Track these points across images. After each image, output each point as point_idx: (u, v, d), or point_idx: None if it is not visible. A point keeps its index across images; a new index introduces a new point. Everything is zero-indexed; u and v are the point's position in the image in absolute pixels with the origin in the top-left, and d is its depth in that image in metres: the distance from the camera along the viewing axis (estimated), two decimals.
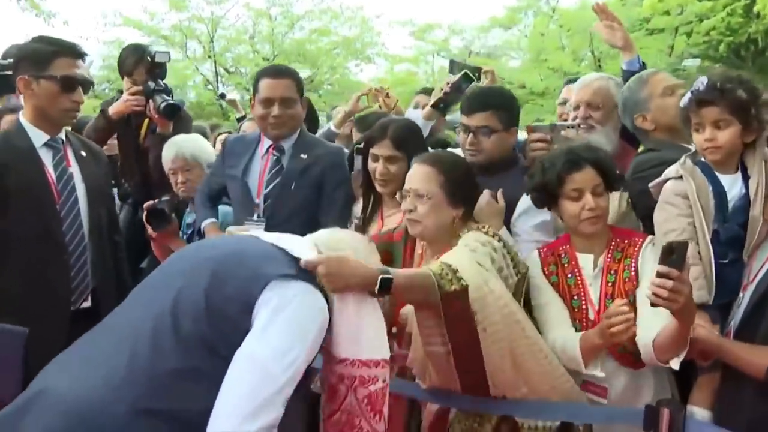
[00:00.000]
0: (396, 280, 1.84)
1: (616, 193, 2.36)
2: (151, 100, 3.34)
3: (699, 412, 2.02)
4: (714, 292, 2.07)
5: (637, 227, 2.41)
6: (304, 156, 2.86)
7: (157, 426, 1.51)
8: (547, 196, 2.25)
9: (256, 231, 2.01)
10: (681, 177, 2.17)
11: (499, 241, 2.16)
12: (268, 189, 2.84)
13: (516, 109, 2.64)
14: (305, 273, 1.73)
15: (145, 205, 3.08)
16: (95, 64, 14.01)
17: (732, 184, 2.13)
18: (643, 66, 2.93)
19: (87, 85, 2.67)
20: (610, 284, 2.18)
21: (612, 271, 2.19)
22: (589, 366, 2.09)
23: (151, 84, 3.35)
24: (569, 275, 2.23)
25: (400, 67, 17.59)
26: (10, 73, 2.66)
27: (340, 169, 2.90)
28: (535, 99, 13.81)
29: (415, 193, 2.20)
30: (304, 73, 16.17)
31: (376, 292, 1.81)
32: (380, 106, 3.42)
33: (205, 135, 5.02)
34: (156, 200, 3.08)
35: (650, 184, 2.27)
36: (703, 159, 2.19)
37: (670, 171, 2.22)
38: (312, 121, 3.82)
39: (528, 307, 2.20)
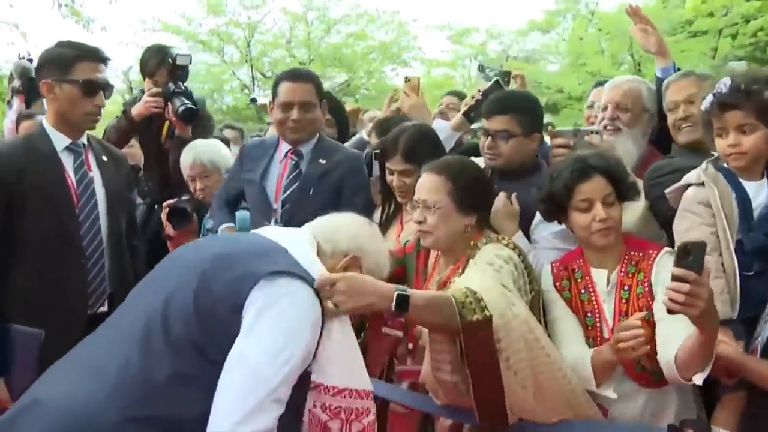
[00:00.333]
0: (414, 300, 1.75)
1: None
2: (170, 103, 3.34)
3: None
4: (738, 306, 1.96)
5: (660, 236, 2.30)
6: (322, 161, 2.83)
7: (147, 431, 1.49)
8: (556, 208, 2.14)
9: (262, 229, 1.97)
10: (703, 183, 2.06)
11: (519, 255, 2.09)
12: (286, 194, 2.81)
13: (539, 115, 2.58)
14: (297, 268, 1.67)
15: (165, 203, 3.07)
16: (134, 68, 14.28)
17: (757, 192, 2.03)
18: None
19: (109, 89, 2.69)
20: (624, 301, 2.07)
21: (626, 287, 2.08)
22: (601, 386, 1.97)
23: (172, 86, 3.35)
24: (582, 291, 2.13)
25: (437, 71, 17.52)
26: None
27: (359, 174, 2.87)
28: (573, 104, 13.59)
29: (423, 204, 2.14)
30: (340, 78, 16.31)
31: (393, 309, 1.73)
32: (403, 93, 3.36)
33: (242, 136, 5.07)
34: (176, 199, 3.08)
35: (667, 191, 2.17)
36: (725, 165, 2.08)
37: (691, 177, 2.11)
38: (341, 125, 3.77)
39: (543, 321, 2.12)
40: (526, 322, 1.89)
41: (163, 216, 3.03)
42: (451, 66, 17.58)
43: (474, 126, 3.60)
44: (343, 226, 1.92)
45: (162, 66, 3.48)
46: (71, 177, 2.61)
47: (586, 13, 15.00)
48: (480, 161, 2.57)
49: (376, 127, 3.18)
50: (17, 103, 4.01)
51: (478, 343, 1.82)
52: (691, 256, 1.66)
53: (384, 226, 2.68)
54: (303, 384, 1.67)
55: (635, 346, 1.85)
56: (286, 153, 2.88)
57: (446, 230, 2.12)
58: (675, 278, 1.67)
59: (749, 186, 2.04)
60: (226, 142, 3.75)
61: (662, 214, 2.28)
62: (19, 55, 4.47)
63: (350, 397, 1.71)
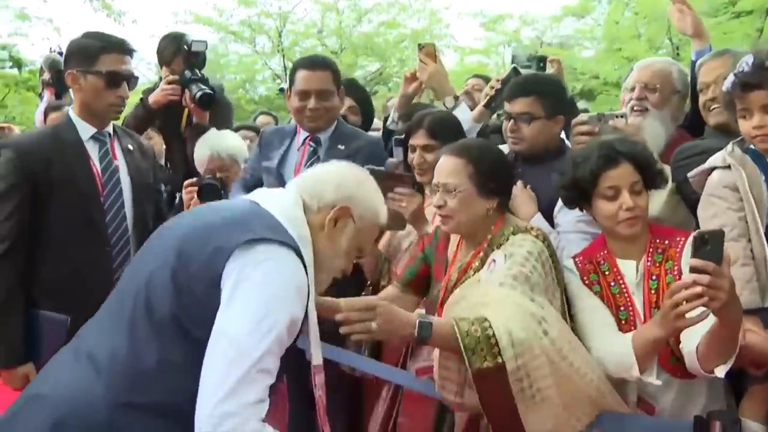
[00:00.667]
0: (435, 329, 1.81)
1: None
2: (187, 90, 3.33)
3: (750, 425, 1.85)
4: None
5: (689, 221, 2.22)
6: (341, 147, 2.82)
7: (140, 417, 1.48)
8: (579, 195, 2.06)
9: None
10: (729, 166, 1.97)
11: (548, 247, 2.03)
12: None
13: (563, 97, 2.53)
14: (277, 232, 1.59)
15: (188, 182, 3.02)
16: None
17: None
18: None
19: (133, 80, 2.72)
20: (653, 291, 1.99)
21: (654, 277, 2.00)
22: (645, 372, 1.86)
23: (188, 73, 3.35)
24: (612, 283, 2.04)
25: (470, 59, 17.35)
26: None
27: (379, 160, 2.84)
28: (608, 89, 13.34)
29: (443, 188, 2.09)
30: (372, 67, 16.28)
31: (416, 337, 1.81)
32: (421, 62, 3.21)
33: (276, 124, 5.06)
34: (198, 179, 3.06)
35: (689, 174, 2.08)
36: (752, 146, 1.99)
37: (716, 160, 2.02)
38: (367, 114, 3.72)
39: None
40: (553, 343, 1.82)
41: (186, 195, 2.99)
42: (485, 53, 17.39)
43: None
44: (327, 177, 1.79)
45: (178, 54, 3.47)
46: (96, 166, 2.65)
47: None
48: (506, 148, 2.54)
49: (401, 112, 3.16)
50: (47, 95, 4.08)
51: (490, 387, 1.79)
52: (708, 245, 1.59)
53: None
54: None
55: (697, 305, 1.65)
56: (304, 140, 2.87)
57: (467, 214, 2.07)
58: (693, 269, 1.60)
59: None
60: (257, 131, 3.75)
61: (689, 198, 2.20)
62: (50, 48, 4.54)
63: (319, 375, 1.72)
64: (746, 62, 1.90)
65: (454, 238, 2.26)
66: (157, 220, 2.84)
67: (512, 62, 3.25)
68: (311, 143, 2.86)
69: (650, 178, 2.03)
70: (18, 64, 14.16)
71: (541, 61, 3.16)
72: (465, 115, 2.93)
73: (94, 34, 2.70)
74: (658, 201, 2.19)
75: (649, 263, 2.02)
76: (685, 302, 1.64)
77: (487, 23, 16.59)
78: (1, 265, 2.49)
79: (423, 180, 2.57)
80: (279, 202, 1.70)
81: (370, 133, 3.45)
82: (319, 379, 1.78)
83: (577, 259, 2.12)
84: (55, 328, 2.44)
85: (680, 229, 2.10)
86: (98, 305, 2.51)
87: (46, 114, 3.64)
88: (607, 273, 2.06)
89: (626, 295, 2.02)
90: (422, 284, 2.33)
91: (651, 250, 2.03)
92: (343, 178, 1.79)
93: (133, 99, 3.21)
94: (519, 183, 2.30)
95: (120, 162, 2.71)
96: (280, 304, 1.52)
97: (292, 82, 2.85)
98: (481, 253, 2.07)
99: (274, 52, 15.95)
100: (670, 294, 1.69)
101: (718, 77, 2.32)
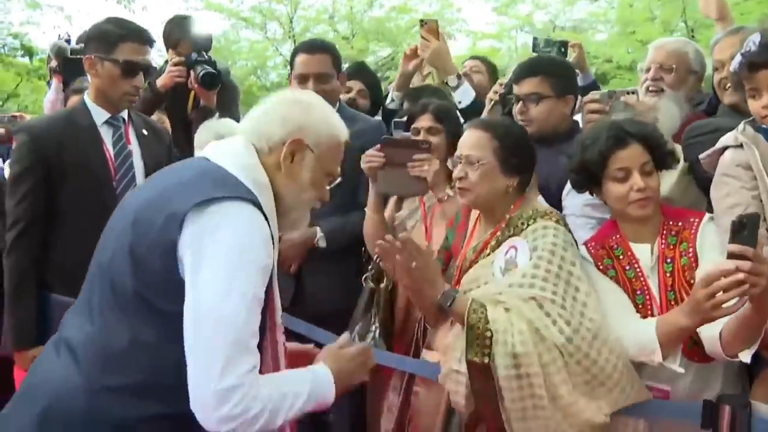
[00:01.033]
0: (456, 304, 1.93)
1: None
2: (192, 71, 3.32)
3: (762, 408, 1.81)
4: None
5: (700, 201, 2.19)
6: None
7: (118, 400, 1.47)
8: (589, 178, 2.04)
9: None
10: (741, 145, 1.94)
11: (569, 232, 2.03)
12: None
13: (571, 78, 2.53)
14: (229, 186, 1.52)
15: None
16: None
17: None
18: None
19: (150, 71, 2.74)
20: (668, 274, 1.96)
21: (668, 259, 1.98)
22: (668, 358, 1.82)
23: (194, 55, 3.34)
24: (627, 268, 2.01)
25: (482, 43, 17.21)
26: (82, 57, 2.74)
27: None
28: (622, 73, 13.18)
29: (466, 159, 2.08)
30: (384, 52, 16.18)
31: (440, 302, 1.95)
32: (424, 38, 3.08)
33: None
34: None
35: (701, 156, 2.05)
36: (765, 125, 1.96)
37: (728, 139, 1.99)
38: (375, 98, 3.69)
39: None
40: (576, 348, 1.82)
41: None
42: (497, 38, 17.23)
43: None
44: (269, 114, 1.68)
45: (184, 36, 3.48)
46: (110, 150, 2.66)
47: None
48: None
49: (409, 96, 3.14)
50: (55, 83, 4.08)
51: (475, 378, 1.87)
52: (746, 229, 1.54)
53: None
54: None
55: (735, 293, 1.59)
56: None
57: (487, 188, 2.07)
58: (732, 255, 1.54)
59: None
60: None
61: (702, 178, 2.17)
62: (59, 36, 4.54)
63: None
64: (753, 41, 1.87)
65: (473, 217, 2.25)
66: None
67: (533, 48, 3.22)
68: None
69: (660, 159, 2.01)
70: (29, 52, 14.23)
71: (563, 46, 3.13)
72: (468, 95, 2.90)
73: (116, 21, 2.71)
74: (668, 181, 2.18)
75: (663, 246, 2.00)
76: (722, 291, 1.60)
77: (499, 7, 16.40)
78: (14, 248, 2.52)
79: None
80: (230, 153, 1.63)
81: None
82: (281, 337, 1.75)
83: (589, 245, 2.10)
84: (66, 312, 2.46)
85: (693, 210, 2.08)
86: None
87: (66, 97, 3.65)
88: (621, 257, 2.03)
89: (642, 279, 1.99)
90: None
91: (664, 232, 2.01)
92: (286, 110, 1.68)
93: None
94: None
95: (134, 147, 2.72)
96: (247, 263, 1.47)
97: (292, 66, 2.86)
98: (499, 233, 2.07)
99: (286, 38, 15.88)
100: (706, 283, 1.64)
101: (731, 55, 2.28)
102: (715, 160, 2.04)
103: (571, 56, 3.19)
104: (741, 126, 2.01)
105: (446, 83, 2.96)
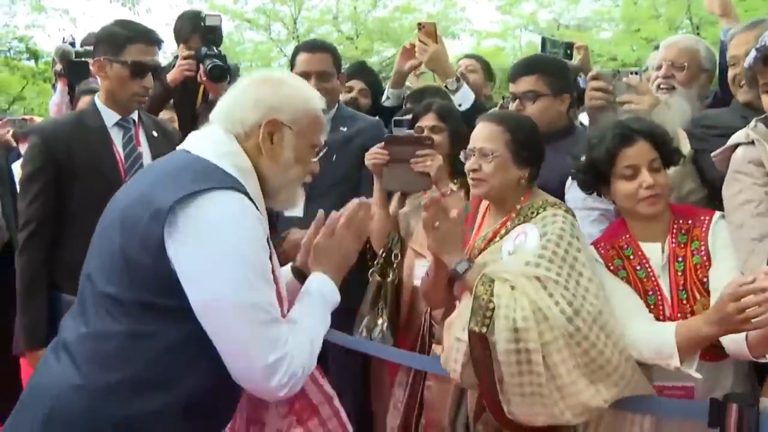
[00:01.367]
0: (469, 274, 1.96)
1: None
2: (201, 65, 3.31)
3: None
4: None
5: (698, 192, 2.21)
6: (343, 128, 2.88)
7: (119, 396, 1.47)
8: (597, 177, 2.04)
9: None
10: (752, 142, 1.93)
11: (575, 219, 2.04)
12: None
13: (566, 76, 2.57)
14: (211, 177, 1.51)
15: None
16: None
17: None
18: None
19: (159, 71, 2.76)
20: (680, 273, 1.95)
21: (679, 258, 1.97)
22: (685, 363, 1.79)
23: (204, 49, 3.33)
24: (638, 268, 2.00)
25: (487, 42, 17.20)
26: (87, 60, 2.75)
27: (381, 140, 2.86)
28: None
29: (480, 152, 2.11)
30: (388, 52, 16.18)
31: (453, 270, 2.00)
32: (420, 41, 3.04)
33: None
34: None
35: (713, 154, 2.05)
36: None
37: (738, 137, 1.98)
38: (376, 96, 3.70)
39: None
40: (577, 329, 1.82)
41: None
42: (501, 36, 17.21)
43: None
44: (240, 99, 1.66)
45: (195, 31, 3.46)
46: (120, 152, 2.68)
47: None
48: None
49: (412, 96, 3.18)
50: (60, 86, 4.09)
51: (474, 347, 1.87)
52: None
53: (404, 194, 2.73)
54: None
55: (764, 309, 1.57)
56: None
57: (500, 179, 2.10)
58: None
59: None
60: None
61: (707, 170, 2.17)
62: (63, 38, 4.55)
63: None
64: None
65: (482, 208, 2.28)
66: None
67: (541, 49, 3.23)
68: None
69: (667, 155, 2.01)
70: (35, 56, 14.28)
71: (568, 47, 3.14)
72: (468, 98, 2.92)
73: (123, 23, 2.72)
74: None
75: (674, 245, 1.99)
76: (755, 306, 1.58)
77: (503, 6, 16.39)
78: (26, 248, 2.54)
79: None
80: (210, 143, 1.62)
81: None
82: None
83: (599, 246, 2.09)
84: None
85: (701, 208, 2.08)
86: None
87: (78, 97, 3.66)
88: (631, 257, 2.02)
89: (653, 278, 1.99)
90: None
91: (675, 230, 2.01)
92: (256, 92, 1.65)
93: None
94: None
95: (144, 148, 2.73)
96: (245, 243, 1.48)
97: (293, 66, 2.88)
98: (509, 223, 2.10)
99: (290, 39, 15.90)
100: (735, 297, 1.62)
101: (748, 51, 2.27)
102: (727, 157, 2.03)
103: (577, 58, 3.20)
104: (753, 123, 2.00)
105: (445, 87, 2.97)
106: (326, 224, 1.80)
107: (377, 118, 3.11)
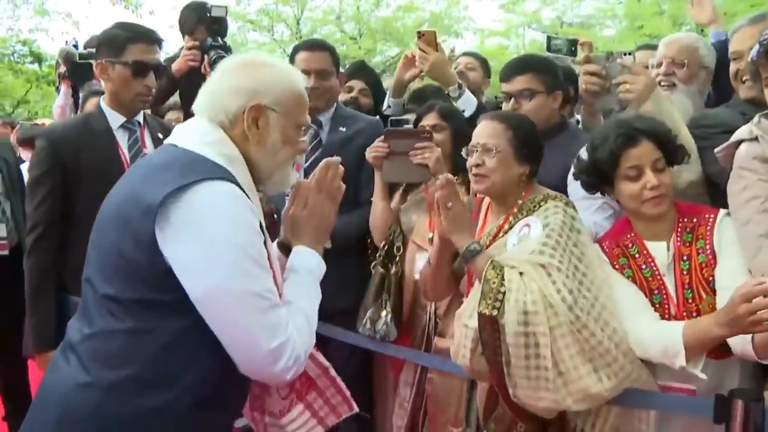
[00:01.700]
0: (479, 258, 1.99)
1: None
2: (206, 56, 3.29)
3: None
4: None
5: (696, 187, 2.19)
6: (343, 129, 2.90)
7: (126, 394, 1.48)
8: (601, 178, 2.04)
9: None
10: (756, 138, 1.92)
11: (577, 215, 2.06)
12: (308, 163, 2.84)
13: (557, 74, 2.60)
14: (198, 169, 1.50)
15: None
16: None
17: None
18: None
19: (160, 70, 2.76)
20: (685, 272, 1.95)
21: (685, 257, 1.96)
22: (690, 362, 1.78)
23: (209, 40, 3.32)
24: (643, 266, 2.00)
25: (490, 41, 17.19)
26: (90, 62, 2.77)
27: None
28: None
29: (483, 148, 2.15)
30: (391, 52, 16.18)
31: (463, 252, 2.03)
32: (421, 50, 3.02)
33: None
34: None
35: (716, 150, 2.04)
36: None
37: (742, 133, 1.97)
38: (377, 96, 3.68)
39: None
40: (577, 318, 1.84)
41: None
42: (505, 35, 17.21)
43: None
44: (219, 88, 1.64)
45: (200, 22, 3.43)
46: (125, 154, 2.69)
47: None
48: None
49: (413, 97, 3.19)
50: (64, 88, 4.10)
51: (483, 328, 1.89)
52: None
53: (405, 191, 2.75)
54: None
55: None
56: None
57: (503, 175, 2.13)
58: None
59: None
60: None
61: (712, 167, 2.16)
62: (66, 41, 4.56)
63: None
64: None
65: (483, 207, 2.30)
66: None
67: (547, 47, 3.22)
68: (312, 126, 2.87)
69: (671, 154, 2.00)
70: (38, 59, 14.34)
71: (573, 44, 3.14)
72: (471, 104, 2.93)
73: (122, 25, 2.74)
74: None
75: (679, 243, 1.98)
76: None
77: (506, 5, 16.41)
78: (34, 250, 2.55)
79: None
80: (195, 134, 1.61)
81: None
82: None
83: (603, 244, 2.09)
84: None
85: (705, 206, 2.07)
86: None
87: (85, 99, 3.67)
88: (637, 256, 2.02)
89: (658, 277, 1.98)
90: None
91: (680, 229, 2.00)
92: (236, 79, 1.63)
93: None
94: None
95: (149, 150, 2.74)
96: (240, 233, 1.48)
97: (292, 64, 2.87)
98: (512, 218, 2.13)
99: (293, 39, 15.92)
100: (746, 298, 1.61)
101: (751, 46, 2.25)
102: (731, 154, 2.02)
103: (581, 54, 3.19)
104: (756, 119, 1.98)
105: (448, 94, 2.98)
106: (298, 195, 1.78)
107: (377, 118, 3.12)
